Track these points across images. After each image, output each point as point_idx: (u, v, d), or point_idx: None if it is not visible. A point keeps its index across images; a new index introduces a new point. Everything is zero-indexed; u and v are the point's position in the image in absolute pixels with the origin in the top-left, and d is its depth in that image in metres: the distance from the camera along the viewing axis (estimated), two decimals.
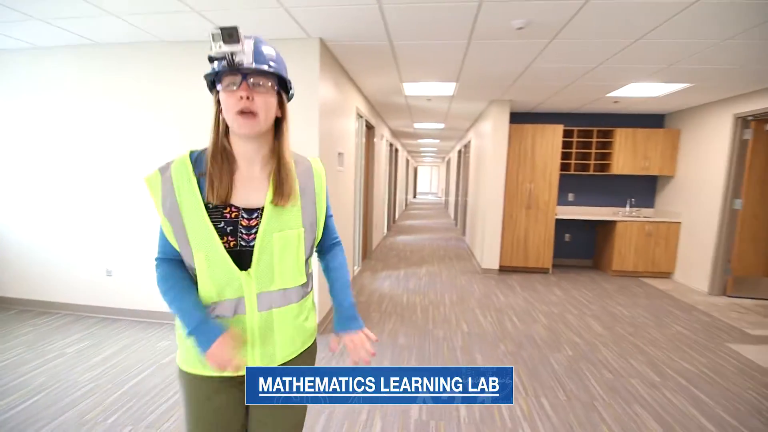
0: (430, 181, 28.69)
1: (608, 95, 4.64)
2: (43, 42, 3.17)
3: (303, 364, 1.06)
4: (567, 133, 5.67)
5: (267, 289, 0.97)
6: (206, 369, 0.96)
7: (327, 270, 1.17)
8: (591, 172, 5.74)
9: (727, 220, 4.53)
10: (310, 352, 1.10)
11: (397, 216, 11.53)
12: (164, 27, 2.81)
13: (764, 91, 4.06)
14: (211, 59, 0.87)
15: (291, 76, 1.00)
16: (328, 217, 1.12)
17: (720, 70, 3.46)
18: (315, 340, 1.14)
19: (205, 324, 0.92)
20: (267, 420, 1.03)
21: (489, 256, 5.48)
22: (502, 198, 5.38)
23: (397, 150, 10.42)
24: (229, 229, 0.93)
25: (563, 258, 6.17)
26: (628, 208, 5.93)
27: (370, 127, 5.89)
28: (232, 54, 0.84)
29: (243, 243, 0.94)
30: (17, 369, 2.61)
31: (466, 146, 8.50)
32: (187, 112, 3.17)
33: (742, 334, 3.46)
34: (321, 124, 3.13)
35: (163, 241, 0.98)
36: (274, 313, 0.98)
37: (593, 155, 5.71)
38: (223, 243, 0.92)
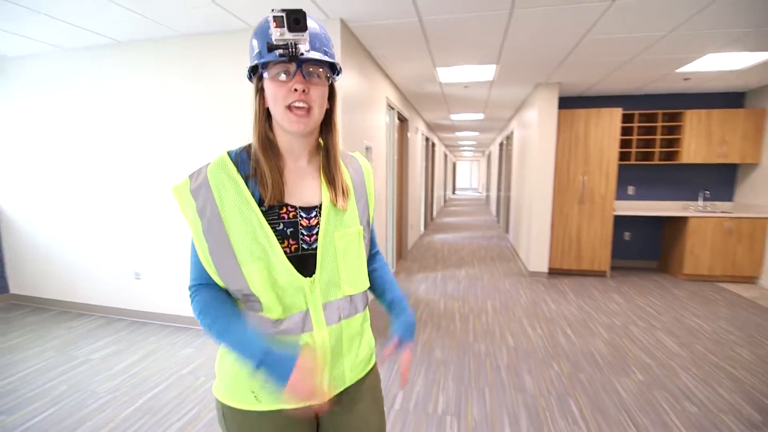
0: (470, 176, 27.83)
1: (678, 71, 3.99)
2: (68, 43, 3.14)
3: (371, 388, 0.96)
4: (626, 118, 5.01)
5: (333, 297, 0.85)
6: (268, 403, 0.82)
7: (374, 276, 1.02)
8: (655, 162, 5.04)
9: None
10: (375, 374, 0.99)
11: (434, 213, 11.10)
12: (177, 18, 2.64)
13: None
14: (272, 47, 0.72)
15: None
16: (372, 224, 1.00)
17: None
18: (376, 363, 1.00)
19: (275, 352, 0.75)
20: None
21: (536, 257, 4.96)
22: (551, 192, 4.84)
23: (434, 144, 9.99)
24: (289, 231, 0.81)
25: (623, 259, 5.50)
26: (701, 202, 5.16)
27: (402, 120, 5.55)
28: (295, 43, 0.71)
29: (305, 246, 0.82)
30: (44, 375, 2.56)
31: (508, 137, 7.92)
32: (218, 107, 3.01)
33: None
34: (343, 117, 2.85)
35: (197, 263, 0.82)
36: (342, 326, 0.87)
37: (658, 142, 5.00)
38: (283, 248, 0.80)
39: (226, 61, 2.91)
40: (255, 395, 0.82)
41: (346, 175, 0.91)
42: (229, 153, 0.85)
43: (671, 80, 4.40)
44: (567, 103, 5.27)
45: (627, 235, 5.49)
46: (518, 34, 2.98)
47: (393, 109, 4.69)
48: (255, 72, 0.82)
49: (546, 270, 4.94)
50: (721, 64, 3.69)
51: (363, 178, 0.96)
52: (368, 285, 0.95)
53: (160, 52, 3.06)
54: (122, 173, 3.34)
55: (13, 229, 3.80)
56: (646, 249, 5.48)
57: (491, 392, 2.36)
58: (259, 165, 0.81)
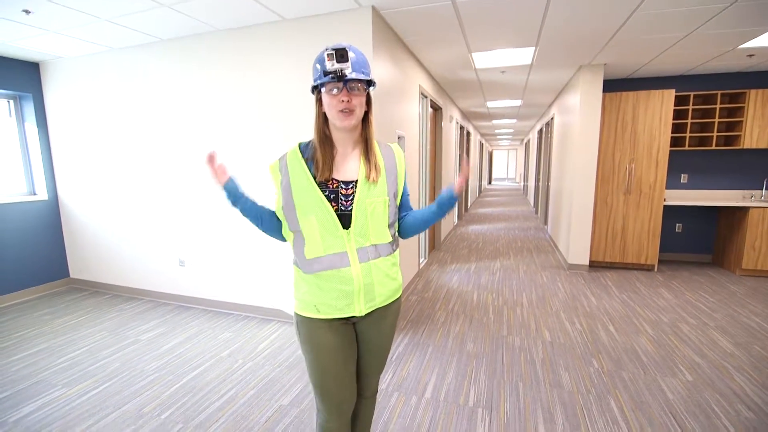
0: (507, 166, 26.98)
1: (741, 47, 3.63)
2: (116, 43, 3.32)
3: (392, 311, 1.34)
4: (679, 100, 4.65)
5: (363, 244, 1.21)
6: (326, 313, 1.23)
7: (412, 216, 1.35)
8: (712, 147, 4.65)
9: None
10: (398, 304, 1.36)
11: (469, 204, 10.90)
12: (216, 13, 2.70)
13: None
14: (326, 73, 1.11)
15: None
16: (406, 195, 1.35)
17: None
18: (401, 297, 1.38)
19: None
20: (372, 340, 1.34)
21: (576, 248, 4.75)
22: (594, 181, 4.59)
23: (469, 133, 9.75)
24: (332, 196, 1.20)
25: (673, 252, 5.16)
26: (765, 191, 4.71)
27: (436, 109, 5.44)
28: (341, 70, 1.10)
29: (342, 207, 1.20)
30: (98, 353, 2.78)
31: (548, 124, 7.58)
32: (257, 97, 3.09)
33: None
34: (375, 107, 2.82)
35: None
36: (371, 265, 1.22)
37: (716, 126, 4.60)
38: None
39: (260, 52, 2.96)
40: (317, 308, 1.23)
41: (379, 157, 1.25)
42: (299, 144, 1.26)
43: (732, 57, 4.00)
44: (613, 85, 4.95)
45: (678, 227, 5.12)
46: (559, 13, 2.82)
47: (426, 97, 4.61)
48: (316, 88, 1.18)
49: (587, 263, 4.72)
50: None
51: (395, 161, 1.30)
52: (390, 240, 1.27)
53: (200, 47, 3.16)
54: (168, 167, 3.52)
55: (72, 219, 4.12)
56: (699, 242, 5.09)
57: (525, 387, 2.29)
58: (315, 152, 1.21)
